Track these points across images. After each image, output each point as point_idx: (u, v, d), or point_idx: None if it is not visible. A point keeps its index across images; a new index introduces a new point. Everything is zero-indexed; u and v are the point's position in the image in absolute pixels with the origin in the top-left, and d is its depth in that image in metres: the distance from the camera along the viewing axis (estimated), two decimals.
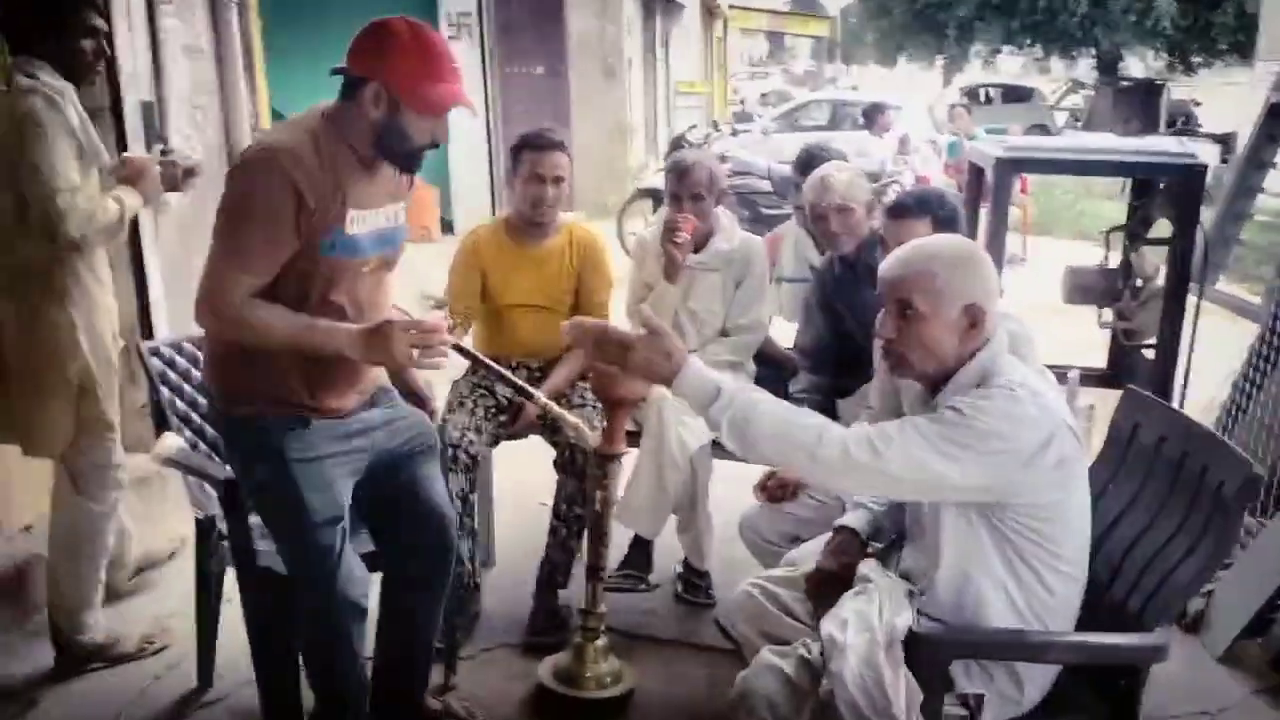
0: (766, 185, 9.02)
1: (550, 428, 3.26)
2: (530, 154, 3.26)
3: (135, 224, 3.50)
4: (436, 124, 2.14)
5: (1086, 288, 4.26)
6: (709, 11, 26.74)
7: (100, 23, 2.92)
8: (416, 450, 2.47)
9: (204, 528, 2.81)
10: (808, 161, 3.84)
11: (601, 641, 2.87)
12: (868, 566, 2.16)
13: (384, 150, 2.14)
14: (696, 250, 3.46)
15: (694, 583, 3.43)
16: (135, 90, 3.90)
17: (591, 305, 3.41)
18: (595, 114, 12.65)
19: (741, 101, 25.85)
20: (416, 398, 2.72)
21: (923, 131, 14.13)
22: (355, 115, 2.12)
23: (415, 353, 2.08)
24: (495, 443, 3.40)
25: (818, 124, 18.34)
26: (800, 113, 18.88)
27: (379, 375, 2.43)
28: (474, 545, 3.31)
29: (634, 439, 3.29)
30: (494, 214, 9.83)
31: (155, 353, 2.92)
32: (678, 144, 9.90)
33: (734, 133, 11.67)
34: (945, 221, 2.74)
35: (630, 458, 3.12)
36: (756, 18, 33.00)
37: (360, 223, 2.18)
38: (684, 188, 3.40)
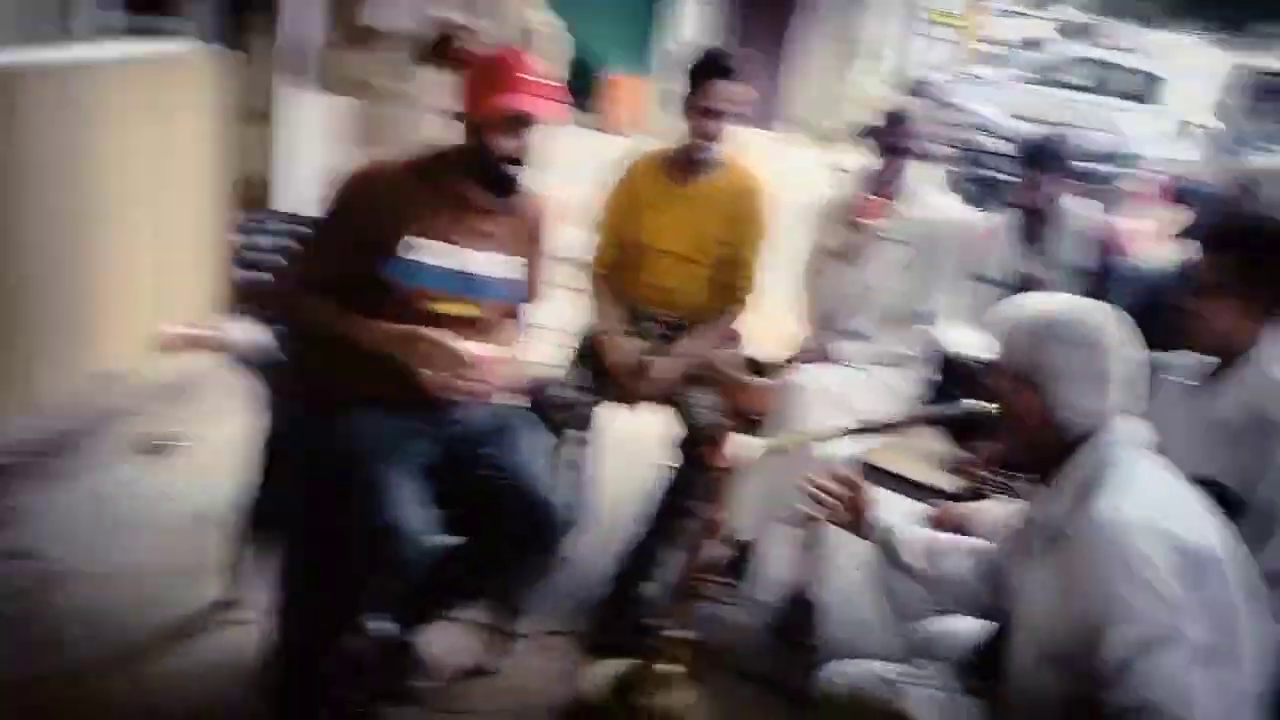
0: (1002, 146, 7.99)
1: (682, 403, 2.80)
2: (705, 81, 2.73)
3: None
4: (508, 137, 2.16)
5: None
6: None
7: None
8: (506, 436, 2.31)
9: None
10: (1036, 155, 3.10)
11: (673, 668, 2.41)
12: None
13: (476, 174, 2.21)
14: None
15: (799, 620, 2.88)
16: None
17: (735, 258, 2.91)
18: (827, 32, 11.78)
19: (996, 44, 24.00)
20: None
21: (1195, 115, 12.62)
22: (456, 147, 2.23)
23: (435, 373, 2.07)
24: (604, 400, 2.96)
25: (1081, 84, 16.65)
26: (1062, 68, 17.24)
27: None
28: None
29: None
30: None
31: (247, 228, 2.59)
32: (917, 88, 9.00)
33: (977, 78, 10.46)
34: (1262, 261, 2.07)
35: None
36: None
37: (432, 253, 2.18)
38: (897, 140, 2.83)
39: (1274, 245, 2.09)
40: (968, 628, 1.98)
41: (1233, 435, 2.05)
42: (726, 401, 2.25)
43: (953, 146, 8.51)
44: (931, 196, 2.94)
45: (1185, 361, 2.25)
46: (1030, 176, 3.12)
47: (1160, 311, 2.15)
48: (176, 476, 3.15)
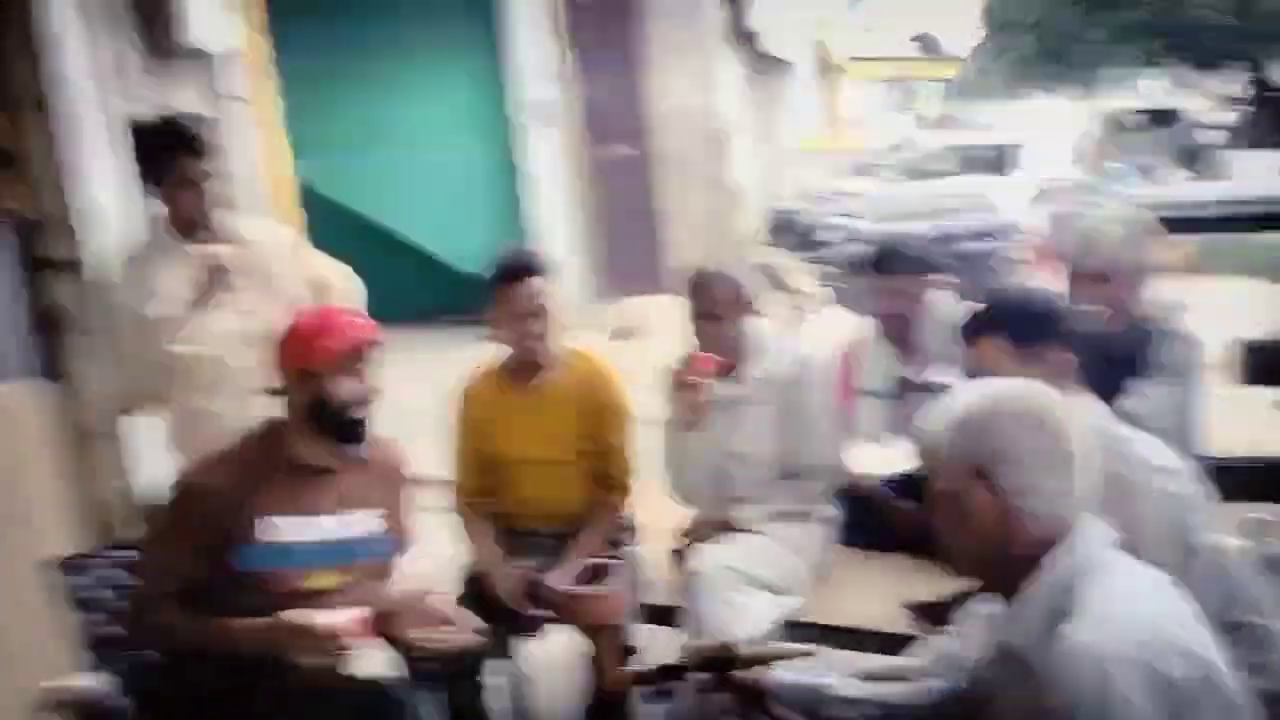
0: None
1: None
2: (501, 288, 2.67)
3: None
4: (348, 378, 2.08)
5: (1268, 367, 3.45)
6: (824, 66, 26.13)
7: (201, 171, 2.75)
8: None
9: None
10: (876, 263, 3.08)
11: None
12: None
13: (321, 426, 2.10)
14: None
15: None
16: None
17: (607, 451, 2.79)
18: (698, 185, 12.09)
19: (864, 153, 24.96)
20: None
21: (1063, 169, 13.02)
22: (289, 414, 2.13)
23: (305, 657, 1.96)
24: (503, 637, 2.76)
25: (946, 169, 17.40)
26: (925, 160, 17.96)
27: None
28: None
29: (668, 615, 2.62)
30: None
31: (76, 567, 2.40)
32: (780, 219, 9.22)
33: (841, 195, 10.74)
34: (1031, 334, 2.00)
35: None
36: (877, 67, 32.15)
37: (284, 531, 2.08)
38: (702, 306, 2.75)
39: (1033, 320, 2.03)
40: None
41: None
42: (563, 616, 2.10)
43: (836, 266, 8.70)
44: (777, 345, 2.85)
45: None
46: (876, 283, 3.09)
47: None
48: None
